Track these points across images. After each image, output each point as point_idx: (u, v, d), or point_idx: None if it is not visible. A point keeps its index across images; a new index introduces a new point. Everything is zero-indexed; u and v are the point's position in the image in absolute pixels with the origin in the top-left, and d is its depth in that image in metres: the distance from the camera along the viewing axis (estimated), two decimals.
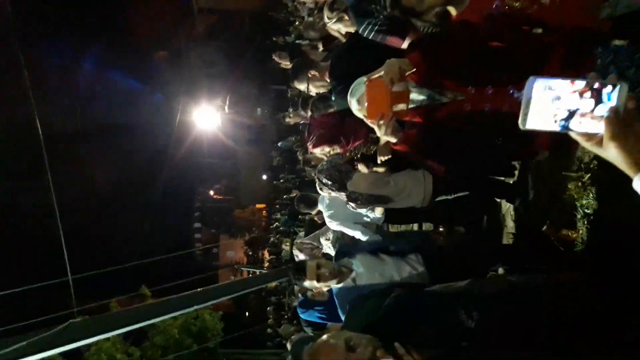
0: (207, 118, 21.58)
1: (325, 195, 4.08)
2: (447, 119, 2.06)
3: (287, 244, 9.15)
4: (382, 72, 2.10)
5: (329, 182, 3.85)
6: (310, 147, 4.46)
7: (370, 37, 2.73)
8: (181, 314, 12.16)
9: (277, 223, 18.57)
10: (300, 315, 4.36)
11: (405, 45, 2.71)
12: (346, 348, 1.65)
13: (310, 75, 4.28)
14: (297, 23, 15.27)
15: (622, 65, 1.90)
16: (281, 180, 18.59)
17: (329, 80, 4.02)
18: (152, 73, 23.86)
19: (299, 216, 14.17)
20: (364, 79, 2.30)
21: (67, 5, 20.45)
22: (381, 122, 2.03)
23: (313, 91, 4.57)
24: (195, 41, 24.23)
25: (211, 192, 36.55)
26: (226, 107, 21.79)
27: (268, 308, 13.88)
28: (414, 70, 2.06)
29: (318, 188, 4.01)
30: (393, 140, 2.08)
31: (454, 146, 2.12)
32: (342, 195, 3.79)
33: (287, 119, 8.73)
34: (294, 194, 16.68)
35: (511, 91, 1.94)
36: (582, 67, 1.91)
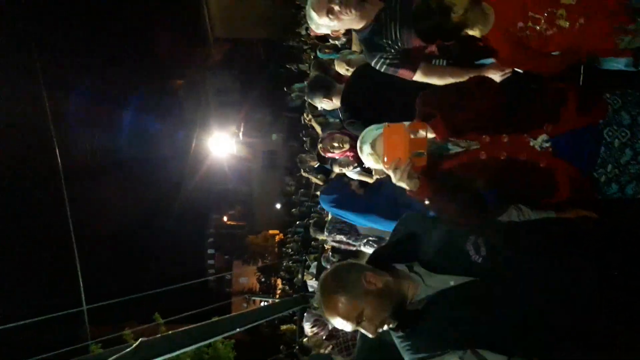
0: (222, 145, 21.80)
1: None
2: (463, 168, 2.01)
3: (299, 275, 9.07)
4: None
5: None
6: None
7: (382, 70, 2.75)
8: None
9: (290, 250, 18.49)
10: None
11: (416, 77, 2.71)
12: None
13: (324, 100, 4.37)
14: (309, 51, 15.50)
15: (633, 112, 1.88)
16: (293, 209, 18.61)
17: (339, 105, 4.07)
18: (168, 103, 24.23)
19: (312, 242, 14.15)
20: (375, 127, 2.28)
21: (86, 37, 20.95)
22: (397, 168, 1.99)
23: (327, 109, 4.67)
24: (210, 70, 24.62)
25: (225, 218, 36.60)
26: (240, 134, 21.98)
27: (281, 346, 13.76)
28: (435, 138, 2.03)
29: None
30: (408, 187, 2.03)
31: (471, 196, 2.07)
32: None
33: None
34: (306, 220, 16.70)
35: (527, 140, 1.92)
36: (596, 113, 1.90)
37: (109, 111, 23.53)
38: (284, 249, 21.90)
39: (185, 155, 23.44)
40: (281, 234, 26.59)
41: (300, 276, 9.33)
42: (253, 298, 17.87)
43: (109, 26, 21.65)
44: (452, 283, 1.78)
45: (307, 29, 15.99)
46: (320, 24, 2.75)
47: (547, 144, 1.88)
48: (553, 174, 1.88)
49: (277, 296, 26.43)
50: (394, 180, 2.02)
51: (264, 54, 22.36)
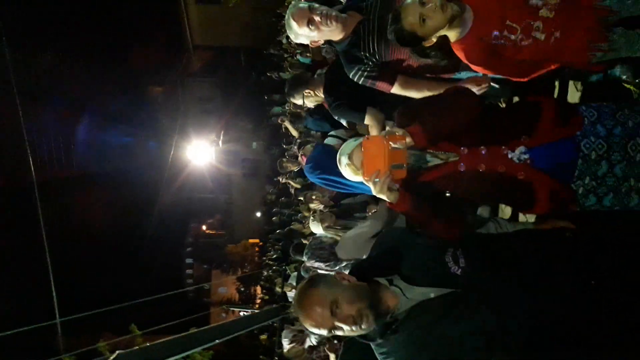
0: (201, 153, 21.66)
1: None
2: (443, 180, 2.02)
3: (279, 284, 9.01)
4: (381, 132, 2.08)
5: (322, 264, 3.87)
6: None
7: (360, 82, 2.76)
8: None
9: (269, 260, 18.38)
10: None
11: (394, 90, 2.73)
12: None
13: (305, 93, 4.38)
14: (291, 59, 15.54)
15: (608, 124, 1.92)
16: (274, 217, 18.52)
17: (322, 96, 4.09)
18: (146, 110, 23.99)
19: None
20: (353, 139, 2.27)
21: (62, 43, 20.65)
22: (376, 179, 1.98)
23: (308, 105, 4.67)
24: (190, 77, 24.49)
25: (204, 227, 36.27)
26: (220, 142, 21.86)
27: (260, 356, 13.66)
28: (414, 144, 2.03)
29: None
30: (389, 198, 2.02)
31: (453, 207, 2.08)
32: (340, 268, 3.80)
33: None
34: (287, 230, 16.61)
35: (505, 152, 1.93)
36: (572, 126, 1.94)
37: (85, 119, 23.18)
38: (264, 258, 21.78)
39: (163, 163, 23.21)
40: (261, 243, 26.46)
41: (279, 288, 9.26)
42: (231, 308, 17.61)
43: (85, 33, 21.36)
44: (432, 295, 1.80)
45: (288, 37, 16.05)
46: (300, 34, 2.75)
47: (526, 156, 1.89)
48: (532, 186, 1.90)
49: (257, 306, 26.25)
50: (373, 192, 2.02)
51: (244, 62, 22.32)
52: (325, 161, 3.48)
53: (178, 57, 23.26)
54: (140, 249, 25.89)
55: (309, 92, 4.40)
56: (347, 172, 2.24)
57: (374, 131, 3.35)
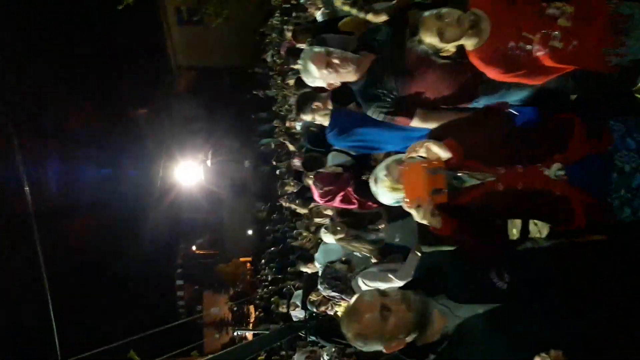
0: (190, 173, 21.56)
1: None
2: (481, 200, 2.07)
3: (284, 305, 8.94)
4: (415, 153, 2.11)
5: (336, 295, 3.89)
6: (319, 198, 4.58)
7: (379, 119, 2.82)
8: None
9: (265, 277, 18.24)
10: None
11: (413, 123, 2.79)
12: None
13: (314, 107, 4.41)
14: (276, 77, 15.64)
15: (637, 137, 1.98)
16: (267, 235, 18.45)
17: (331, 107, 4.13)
18: (131, 132, 23.83)
19: (288, 268, 14.02)
20: (384, 166, 2.30)
21: (44, 67, 20.48)
22: (419, 206, 2.02)
23: (319, 121, 4.70)
24: (175, 98, 24.47)
25: (194, 248, 35.91)
26: (208, 161, 21.81)
27: None
28: (450, 157, 2.08)
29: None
30: (431, 224, 2.06)
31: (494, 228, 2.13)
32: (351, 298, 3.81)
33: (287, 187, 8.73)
34: (282, 247, 16.53)
35: (541, 169, 1.99)
36: (604, 141, 1.99)
37: (67, 147, 22.96)
38: (257, 276, 21.62)
39: (151, 185, 23.03)
40: (253, 261, 26.29)
41: (282, 308, 9.18)
42: (242, 332, 17.33)
43: (67, 57, 21.22)
44: (480, 311, 1.85)
45: (273, 55, 16.14)
46: (317, 77, 2.81)
47: (562, 172, 1.95)
48: (569, 202, 1.95)
49: (251, 325, 25.99)
50: (416, 218, 2.06)
51: (229, 81, 22.38)
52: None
53: (162, 78, 23.24)
54: (132, 273, 25.55)
55: (318, 105, 4.44)
56: (383, 189, 2.26)
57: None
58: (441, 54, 2.38)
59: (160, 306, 30.61)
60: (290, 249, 14.48)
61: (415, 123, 2.78)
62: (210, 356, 6.18)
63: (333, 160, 5.05)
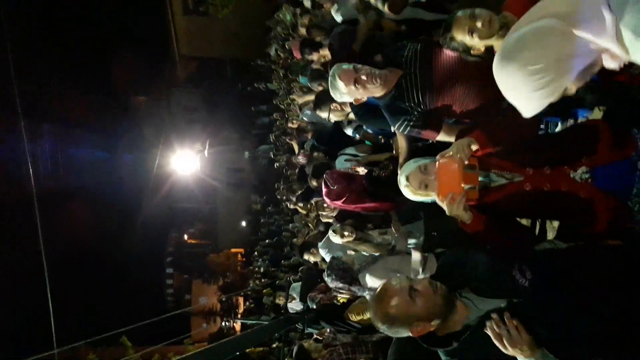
0: (186, 163, 21.56)
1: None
2: (508, 199, 2.21)
3: (281, 297, 9.05)
4: (451, 152, 2.27)
5: (340, 285, 4.00)
6: (328, 199, 4.69)
7: (405, 133, 2.95)
8: None
9: (257, 269, 18.33)
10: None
11: (439, 137, 2.93)
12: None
13: (332, 107, 4.56)
14: (278, 70, 15.70)
15: None
16: (262, 227, 18.52)
17: (348, 110, 4.26)
18: (131, 120, 23.78)
19: (282, 261, 14.13)
20: (413, 161, 2.47)
21: (47, 52, 20.36)
22: (451, 201, 2.18)
23: (332, 119, 4.81)
24: (176, 87, 24.42)
25: (185, 237, 35.89)
26: (206, 151, 21.83)
27: None
28: (479, 149, 2.24)
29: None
30: (463, 218, 2.21)
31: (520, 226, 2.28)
32: (359, 289, 3.93)
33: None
34: (275, 239, 16.61)
35: (568, 171, 2.13)
36: (627, 147, 2.11)
37: (68, 129, 22.87)
38: (249, 268, 21.70)
39: (148, 173, 23.01)
40: (245, 253, 26.38)
41: (281, 300, 9.28)
42: (242, 321, 17.35)
43: (70, 42, 21.13)
44: (502, 305, 1.95)
45: (277, 49, 16.20)
46: (345, 93, 2.91)
47: (587, 175, 2.10)
48: (592, 204, 2.08)
49: (239, 316, 26.05)
50: (448, 212, 2.21)
51: (230, 73, 22.39)
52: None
53: (164, 67, 23.20)
54: (121, 259, 25.55)
55: (336, 107, 4.60)
56: (407, 192, 2.44)
57: (401, 138, 3.45)
58: (471, 52, 2.50)
59: (148, 293, 30.63)
60: (285, 242, 14.61)
61: (442, 137, 2.90)
62: (208, 346, 6.22)
63: (342, 165, 5.19)
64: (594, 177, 2.10)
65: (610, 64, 1.36)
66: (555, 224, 2.70)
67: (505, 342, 1.85)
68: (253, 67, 19.29)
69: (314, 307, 6.24)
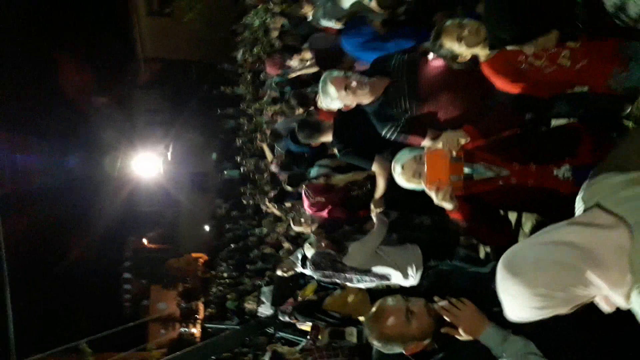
0: (149, 165, 21.19)
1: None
2: (494, 192, 2.37)
3: (251, 301, 9.07)
4: (439, 144, 2.44)
5: (325, 272, 4.09)
6: (308, 208, 4.80)
7: (392, 139, 3.11)
8: None
9: (222, 274, 18.17)
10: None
11: (424, 143, 3.09)
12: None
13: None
14: (246, 75, 15.69)
15: None
16: (228, 232, 18.36)
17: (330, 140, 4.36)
18: (90, 121, 23.17)
19: (247, 266, 14.09)
20: (408, 150, 2.63)
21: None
22: (438, 189, 2.33)
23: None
24: (139, 88, 23.97)
25: (145, 241, 35.11)
26: (169, 155, 21.52)
27: None
28: (469, 140, 2.40)
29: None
30: (448, 206, 2.37)
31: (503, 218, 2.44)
32: (340, 276, 4.04)
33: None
34: (241, 244, 16.51)
35: (551, 169, 2.30)
36: (607, 151, 2.17)
37: (22, 131, 22.09)
38: (212, 272, 21.45)
39: (107, 176, 22.47)
40: (207, 258, 26.04)
41: (250, 304, 9.28)
42: (209, 326, 17.08)
43: (28, 41, 20.43)
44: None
45: (244, 52, 16.20)
46: (336, 98, 3.07)
47: (569, 174, 2.26)
48: (572, 202, 2.25)
49: (200, 322, 25.64)
50: (435, 201, 2.37)
51: (195, 75, 22.18)
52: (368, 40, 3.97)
53: (127, 68, 22.76)
54: (80, 265, 24.83)
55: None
56: (401, 179, 2.60)
57: (380, 179, 3.74)
58: (458, 60, 2.66)
59: (105, 299, 29.85)
60: (251, 247, 14.58)
61: (427, 142, 3.04)
62: (179, 352, 6.18)
63: (318, 171, 5.27)
64: (575, 177, 2.25)
65: (603, 306, 1.39)
66: (527, 229, 2.89)
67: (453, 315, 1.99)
68: (219, 70, 19.22)
69: (285, 319, 6.33)
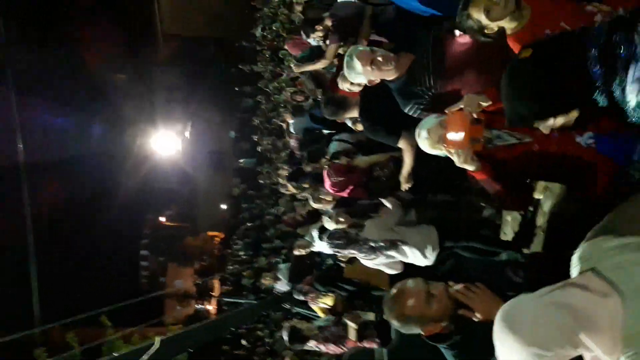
0: (167, 143, 21.37)
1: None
2: (518, 157, 2.33)
3: (268, 278, 9.13)
4: (461, 105, 2.38)
5: (340, 245, 4.09)
6: (330, 187, 4.81)
7: (415, 116, 3.06)
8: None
9: (238, 252, 18.33)
10: None
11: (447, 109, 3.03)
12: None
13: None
14: (265, 52, 15.61)
15: None
16: (240, 210, 18.48)
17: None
18: (111, 97, 23.36)
19: (262, 244, 14.19)
20: (434, 116, 2.57)
21: (24, 25, 19.83)
22: (460, 150, 2.28)
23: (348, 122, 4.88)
24: (158, 66, 24.07)
25: (163, 219, 35.58)
26: (187, 132, 21.66)
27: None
28: (490, 104, 2.34)
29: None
30: (470, 167, 2.32)
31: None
32: (357, 247, 4.03)
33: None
34: (258, 222, 16.61)
35: (574, 136, 2.23)
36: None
37: (45, 105, 22.37)
38: (228, 251, 21.68)
39: (126, 153, 22.73)
40: (224, 236, 26.32)
41: (267, 280, 9.34)
42: (226, 300, 17.36)
43: (52, 18, 20.59)
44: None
45: (263, 29, 16.10)
46: (361, 73, 3.02)
47: (591, 141, 2.21)
48: (594, 168, 2.19)
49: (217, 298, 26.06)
50: (456, 162, 2.33)
51: (215, 53, 22.18)
52: None
53: (147, 45, 22.82)
54: (97, 239, 25.25)
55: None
56: (425, 144, 2.57)
57: (407, 155, 3.71)
58: (485, 32, 2.60)
59: (123, 275, 30.38)
60: (267, 225, 14.66)
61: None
62: (199, 324, 6.26)
63: (336, 147, 5.29)
64: (598, 143, 2.20)
65: None
66: (546, 208, 2.82)
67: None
68: (237, 48, 19.18)
69: (300, 297, 6.42)
